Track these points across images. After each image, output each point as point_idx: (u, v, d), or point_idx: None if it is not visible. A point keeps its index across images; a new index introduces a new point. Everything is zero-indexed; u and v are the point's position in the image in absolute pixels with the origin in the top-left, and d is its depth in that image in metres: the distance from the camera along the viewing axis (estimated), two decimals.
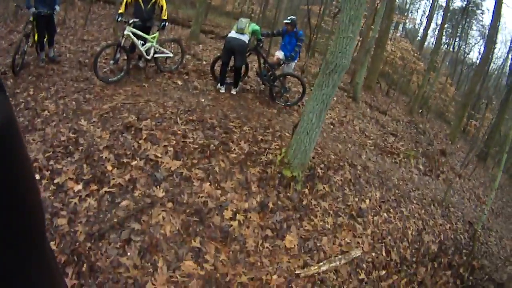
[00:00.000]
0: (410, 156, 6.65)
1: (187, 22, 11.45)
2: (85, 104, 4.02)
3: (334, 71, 3.29)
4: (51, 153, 3.06)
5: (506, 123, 13.86)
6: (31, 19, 5.02)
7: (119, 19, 4.96)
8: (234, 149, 3.64)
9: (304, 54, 10.59)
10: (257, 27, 5.29)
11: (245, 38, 5.11)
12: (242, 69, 5.56)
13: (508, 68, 13.62)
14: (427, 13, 21.03)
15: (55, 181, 2.79)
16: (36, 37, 5.24)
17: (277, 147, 3.94)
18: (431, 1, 17.37)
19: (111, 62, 5.01)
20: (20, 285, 0.34)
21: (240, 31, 5.10)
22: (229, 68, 5.47)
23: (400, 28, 24.34)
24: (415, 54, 16.69)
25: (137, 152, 3.22)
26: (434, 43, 18.25)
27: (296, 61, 6.09)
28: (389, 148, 6.55)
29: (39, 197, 0.37)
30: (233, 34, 5.16)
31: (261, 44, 5.61)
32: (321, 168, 3.93)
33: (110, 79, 4.80)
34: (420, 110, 14.09)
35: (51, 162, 2.94)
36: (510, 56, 13.20)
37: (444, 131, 13.79)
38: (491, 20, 12.31)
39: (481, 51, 19.27)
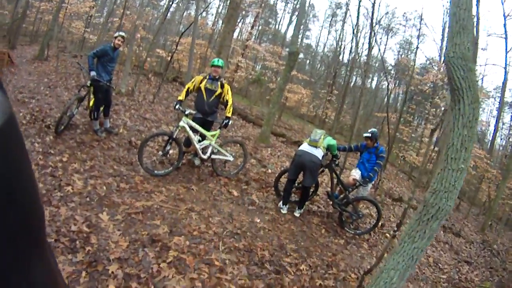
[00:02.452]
0: None
1: (259, 121, 10.84)
2: (116, 194, 3.42)
3: (434, 217, 2.26)
4: (53, 240, 2.35)
5: None
6: (88, 84, 4.87)
7: (176, 107, 4.37)
8: None
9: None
10: (333, 141, 4.52)
11: (319, 153, 4.33)
12: (311, 188, 4.62)
13: None
14: (494, 112, 19.98)
15: None
16: (91, 103, 5.04)
17: None
18: (499, 100, 16.53)
19: (160, 153, 4.57)
20: (20, 284, 0.32)
21: (314, 144, 4.33)
22: (296, 185, 4.65)
23: None
24: (488, 162, 15.22)
25: (153, 277, 2.34)
26: (503, 144, 16.91)
27: (373, 182, 5.02)
28: (463, 282, 5.09)
29: (39, 196, 0.36)
30: (305, 147, 4.40)
31: (336, 161, 4.73)
32: None
33: (155, 172, 4.29)
34: (490, 223, 11.99)
35: None
36: None
37: None
38: None
39: None
